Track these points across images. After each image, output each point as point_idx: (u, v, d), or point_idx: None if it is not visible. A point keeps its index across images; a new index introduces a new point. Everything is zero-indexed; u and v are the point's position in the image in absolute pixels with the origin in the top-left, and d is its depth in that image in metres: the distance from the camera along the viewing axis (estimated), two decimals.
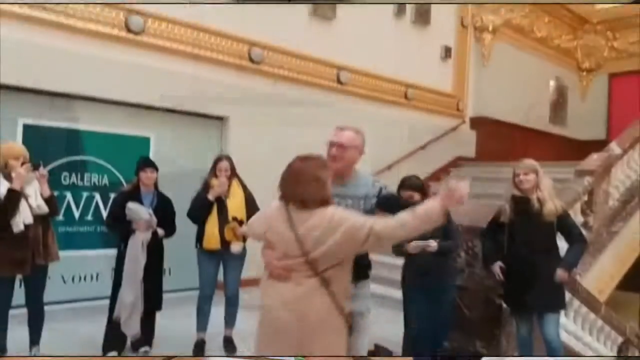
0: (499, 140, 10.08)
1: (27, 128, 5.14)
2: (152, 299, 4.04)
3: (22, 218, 3.54)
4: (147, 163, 4.14)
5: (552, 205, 3.40)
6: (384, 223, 2.12)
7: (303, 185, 2.23)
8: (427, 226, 2.13)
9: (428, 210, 2.10)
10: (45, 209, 3.67)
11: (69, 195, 5.41)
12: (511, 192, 3.55)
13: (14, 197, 3.49)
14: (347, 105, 7.57)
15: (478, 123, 10.09)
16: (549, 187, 3.49)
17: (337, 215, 2.17)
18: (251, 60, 6.69)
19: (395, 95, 8.65)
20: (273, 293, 2.24)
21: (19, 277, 3.72)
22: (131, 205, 3.93)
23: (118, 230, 4.05)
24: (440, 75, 9.44)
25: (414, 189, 3.56)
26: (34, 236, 3.63)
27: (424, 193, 3.56)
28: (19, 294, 3.77)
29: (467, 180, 2.12)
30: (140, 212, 3.93)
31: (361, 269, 2.46)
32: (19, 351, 3.74)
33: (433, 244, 3.40)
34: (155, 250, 4.03)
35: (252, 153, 6.28)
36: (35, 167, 3.65)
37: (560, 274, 3.38)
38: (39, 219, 3.66)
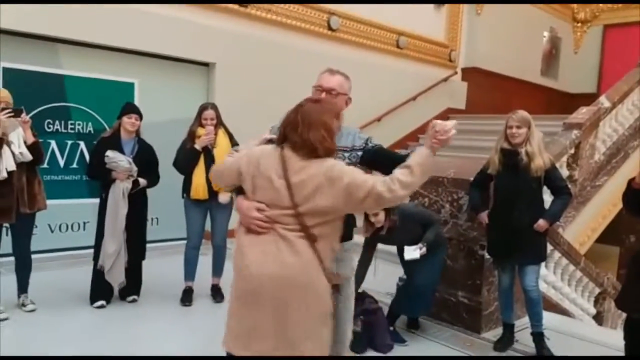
0: (490, 92, 10.01)
1: (6, 71, 4.98)
2: (136, 249, 4.06)
3: (5, 165, 3.48)
4: (132, 109, 4.04)
5: (540, 161, 3.40)
6: (386, 185, 1.93)
7: (310, 130, 1.99)
8: (425, 177, 2.00)
9: (421, 161, 1.97)
10: (28, 156, 3.60)
11: (53, 143, 5.32)
12: (501, 143, 3.54)
13: None
14: (337, 52, 7.42)
15: (469, 74, 9.97)
16: (539, 141, 3.49)
17: (337, 169, 1.96)
18: (238, 2, 6.46)
19: (386, 44, 8.48)
20: (250, 249, 2.00)
21: (5, 225, 3.71)
22: (110, 153, 3.87)
23: (99, 178, 4.00)
24: (433, 24, 9.23)
25: None
26: (18, 184, 3.59)
27: (388, 209, 3.50)
28: (7, 242, 3.77)
29: (453, 120, 2.05)
30: (118, 159, 3.87)
31: (346, 227, 2.18)
32: (8, 299, 3.77)
33: (423, 249, 3.54)
34: (138, 200, 4.01)
35: (238, 100, 6.18)
36: (17, 113, 3.56)
37: (541, 223, 3.43)
38: (23, 166, 3.61)
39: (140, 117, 4.04)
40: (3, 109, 3.50)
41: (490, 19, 9.97)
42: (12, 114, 3.51)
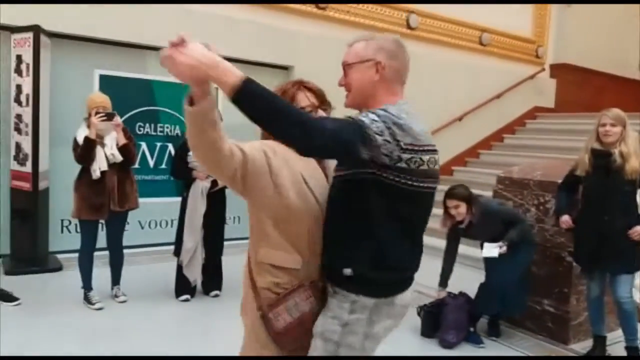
0: (581, 89, 9.43)
1: (102, 78, 5.37)
2: (214, 247, 4.22)
3: (99, 165, 3.76)
4: None
5: (636, 162, 3.15)
6: None
7: None
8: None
9: None
10: (119, 157, 3.85)
11: (143, 145, 5.67)
12: (592, 143, 3.31)
13: (88, 144, 3.71)
14: (417, 50, 7.29)
15: (558, 70, 9.45)
16: (635, 141, 3.22)
17: None
18: (317, 5, 6.53)
19: (468, 41, 8.23)
20: None
21: (100, 221, 3.99)
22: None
23: (181, 177, 4.22)
24: (519, 19, 8.84)
25: (460, 198, 3.50)
26: (110, 183, 3.85)
27: (470, 203, 3.50)
28: (101, 237, 4.06)
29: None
30: None
31: None
32: (103, 290, 4.06)
33: (503, 248, 3.43)
34: (216, 199, 4.16)
35: None
36: (110, 117, 3.82)
37: (638, 230, 3.17)
38: (115, 167, 3.87)
39: (221, 118, 4.18)
40: (97, 113, 3.77)
41: (582, 11, 9.38)
42: (105, 118, 3.77)
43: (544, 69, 9.31)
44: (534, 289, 3.78)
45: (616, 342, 3.56)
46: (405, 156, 1.44)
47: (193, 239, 4.07)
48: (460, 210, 3.46)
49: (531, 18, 9.08)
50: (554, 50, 9.43)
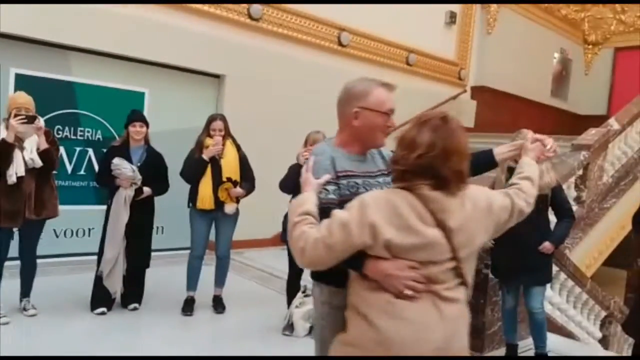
0: (499, 111, 10.01)
1: (19, 77, 5.05)
2: (139, 257, 4.06)
3: (15, 170, 3.51)
4: (136, 117, 4.08)
5: (548, 179, 3.38)
6: (521, 198, 1.76)
7: (463, 160, 1.60)
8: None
9: (536, 171, 1.90)
10: (38, 162, 3.62)
11: (62, 150, 5.35)
12: (508, 162, 3.51)
13: (5, 148, 3.46)
14: (347, 67, 7.46)
15: (479, 92, 9.98)
16: (547, 161, 3.46)
17: (485, 194, 1.69)
18: (250, 17, 6.54)
19: (396, 60, 8.52)
20: (406, 323, 1.54)
21: (13, 229, 3.73)
22: (116, 160, 3.90)
23: (106, 185, 4.04)
24: (444, 42, 9.28)
25: None
26: (27, 190, 3.61)
27: None
28: (12, 246, 3.79)
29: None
30: (123, 167, 3.90)
31: None
32: (10, 302, 3.78)
33: None
34: (144, 208, 4.02)
35: (247, 112, 6.22)
36: (31, 120, 3.58)
37: (547, 246, 3.41)
38: (34, 172, 3.63)
39: (146, 124, 4.08)
40: (16, 115, 3.53)
41: (501, 39, 10.01)
42: (25, 121, 3.54)
43: (465, 91, 9.80)
44: None
45: (527, 350, 3.77)
46: None
47: (114, 248, 3.90)
48: None
49: (455, 42, 9.56)
50: (474, 73, 9.96)
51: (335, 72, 6.87)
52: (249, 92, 6.46)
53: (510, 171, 3.46)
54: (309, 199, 1.69)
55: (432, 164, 1.55)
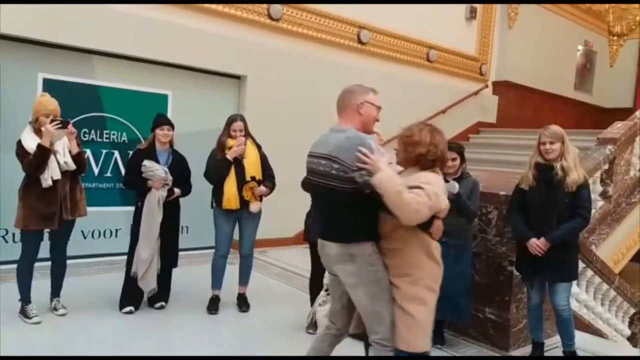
0: (522, 106, 9.89)
1: (46, 82, 5.17)
2: (169, 256, 4.13)
3: (51, 174, 3.61)
4: (163, 121, 4.15)
5: (575, 175, 3.33)
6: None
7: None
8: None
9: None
10: (72, 165, 3.73)
11: (88, 152, 5.48)
12: (535, 158, 3.48)
13: (43, 153, 3.56)
14: (367, 65, 7.45)
15: (501, 87, 9.87)
16: (575, 156, 3.41)
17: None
18: (270, 17, 6.58)
19: (416, 57, 8.47)
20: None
21: (46, 230, 3.83)
22: (147, 163, 3.98)
23: (135, 187, 4.11)
24: (464, 37, 9.20)
25: (457, 152, 3.71)
26: (62, 192, 3.72)
27: (462, 159, 3.75)
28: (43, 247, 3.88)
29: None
30: (155, 168, 3.98)
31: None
32: (41, 302, 3.88)
33: (457, 187, 3.46)
34: (171, 209, 4.09)
35: (268, 112, 6.27)
36: (65, 125, 3.69)
37: (536, 242, 3.33)
38: (67, 175, 3.74)
39: (172, 127, 4.14)
40: (52, 121, 3.63)
41: (523, 33, 9.87)
42: (60, 126, 3.64)
43: (487, 86, 9.69)
44: (477, 298, 3.91)
45: (554, 348, 3.73)
46: None
47: (149, 248, 3.97)
48: (456, 162, 3.66)
49: (476, 37, 9.46)
50: (496, 68, 9.85)
51: (356, 70, 6.90)
52: (270, 92, 6.50)
53: (538, 167, 3.44)
54: (394, 174, 2.32)
55: (442, 156, 2.47)
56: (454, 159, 3.67)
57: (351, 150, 2.33)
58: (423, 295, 2.41)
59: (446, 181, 3.33)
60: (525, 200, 3.50)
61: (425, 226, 2.38)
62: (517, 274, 3.74)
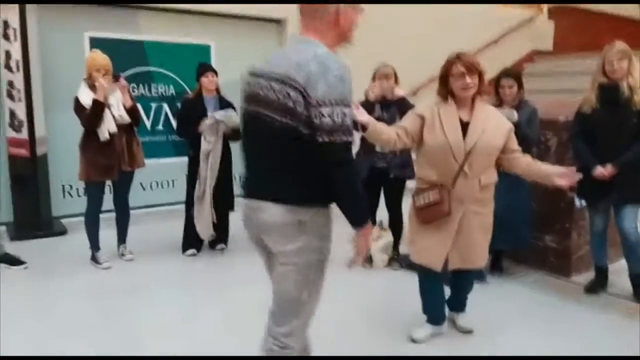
0: (581, 31, 9.24)
1: (93, 40, 5.27)
2: (225, 201, 4.23)
3: (107, 127, 3.74)
4: (206, 67, 4.20)
5: None
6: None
7: None
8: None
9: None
10: (127, 118, 3.85)
11: (139, 106, 5.59)
12: (598, 80, 3.27)
13: (98, 107, 3.68)
14: None
15: (557, 13, 9.25)
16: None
17: None
18: None
19: None
20: None
21: (108, 182, 4.00)
22: (217, 115, 4.01)
23: (188, 136, 4.18)
24: None
25: (515, 78, 3.59)
26: (119, 145, 3.85)
27: (520, 86, 3.60)
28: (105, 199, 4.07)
29: None
30: (217, 116, 4.00)
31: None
32: (109, 249, 4.10)
33: (515, 115, 3.32)
34: (224, 156, 4.15)
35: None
36: (116, 79, 3.79)
37: (600, 170, 3.16)
38: (123, 128, 3.87)
39: (216, 73, 4.16)
40: (104, 75, 3.72)
41: None
42: (113, 80, 3.75)
43: (541, 12, 9.12)
44: (536, 226, 3.81)
45: (618, 273, 3.60)
46: None
47: (210, 178, 4.05)
48: (513, 90, 3.54)
49: None
50: None
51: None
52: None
53: (602, 87, 3.23)
54: None
55: None
56: (510, 86, 3.53)
57: (321, 78, 1.63)
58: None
59: (503, 109, 3.20)
60: (588, 125, 3.32)
61: None
62: (578, 200, 3.60)
